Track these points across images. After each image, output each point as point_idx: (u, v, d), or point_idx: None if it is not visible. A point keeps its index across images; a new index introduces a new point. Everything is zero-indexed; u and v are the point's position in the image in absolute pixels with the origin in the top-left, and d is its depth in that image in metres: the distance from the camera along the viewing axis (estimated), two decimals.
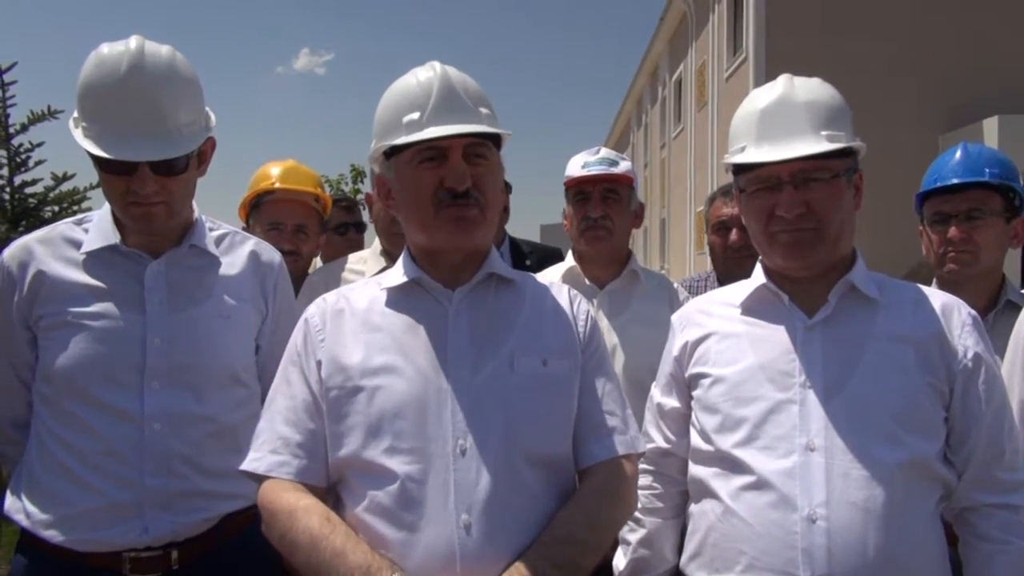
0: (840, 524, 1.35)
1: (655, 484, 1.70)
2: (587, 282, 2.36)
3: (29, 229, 1.72)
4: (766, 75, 10.21)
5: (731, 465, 1.46)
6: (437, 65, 1.39)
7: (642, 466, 1.65)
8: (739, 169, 1.53)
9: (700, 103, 15.84)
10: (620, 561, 1.75)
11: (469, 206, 1.34)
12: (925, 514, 1.41)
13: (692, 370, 1.59)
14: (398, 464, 1.28)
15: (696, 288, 2.74)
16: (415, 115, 1.33)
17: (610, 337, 2.23)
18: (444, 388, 1.32)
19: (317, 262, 3.07)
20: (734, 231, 2.62)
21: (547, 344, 1.40)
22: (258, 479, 1.37)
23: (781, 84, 1.51)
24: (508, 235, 2.75)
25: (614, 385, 1.46)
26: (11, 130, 4.77)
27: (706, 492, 1.51)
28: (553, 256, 2.82)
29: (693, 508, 1.57)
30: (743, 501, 1.43)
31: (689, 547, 1.56)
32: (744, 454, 1.44)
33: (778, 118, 1.46)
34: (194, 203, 1.80)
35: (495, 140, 1.40)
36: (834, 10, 10.89)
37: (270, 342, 1.82)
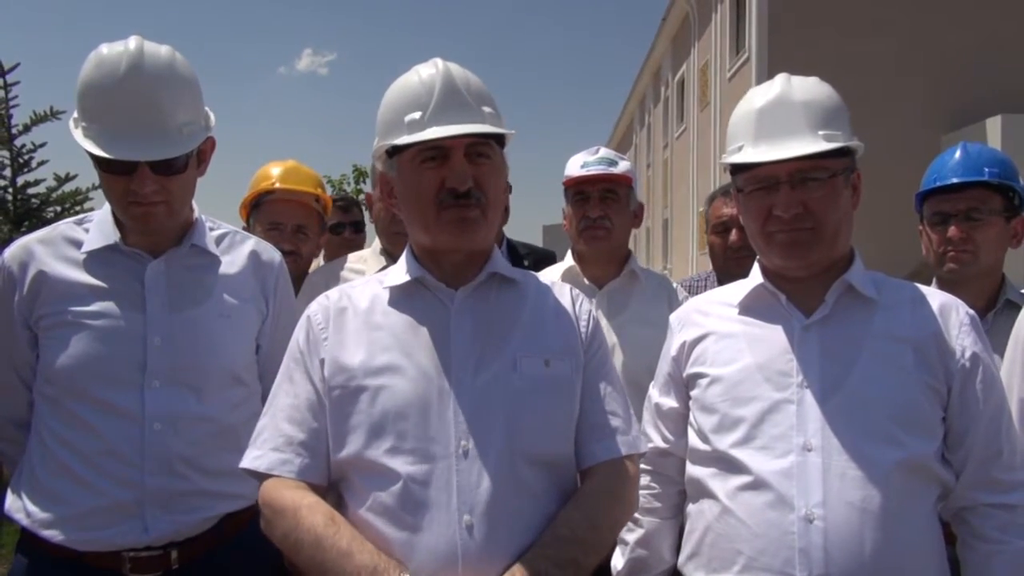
0: (837, 524, 1.35)
1: (653, 484, 1.70)
2: (586, 282, 2.36)
3: (32, 229, 1.73)
4: (768, 75, 10.10)
5: (728, 465, 1.46)
6: (440, 62, 1.38)
7: (640, 466, 1.65)
8: (737, 169, 1.53)
9: (703, 103, 15.83)
10: (618, 561, 1.75)
11: (470, 207, 1.34)
12: (922, 514, 1.41)
13: (690, 370, 1.59)
14: (401, 464, 1.28)
15: (696, 288, 2.74)
16: (417, 114, 1.33)
17: (609, 337, 2.22)
18: (447, 389, 1.31)
19: (320, 262, 3.08)
20: (734, 231, 2.62)
21: (549, 344, 1.40)
22: (259, 477, 1.36)
23: (778, 83, 1.50)
24: (505, 237, 2.75)
25: (616, 385, 1.46)
26: (14, 131, 4.80)
27: (703, 492, 1.51)
28: (548, 259, 2.82)
29: (691, 508, 1.57)
30: (740, 501, 1.42)
31: (687, 547, 1.56)
32: (741, 454, 1.44)
33: (775, 118, 1.46)
34: (194, 203, 1.81)
35: (498, 139, 1.39)
36: (837, 10, 10.88)
37: (270, 342, 1.82)
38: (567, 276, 2.36)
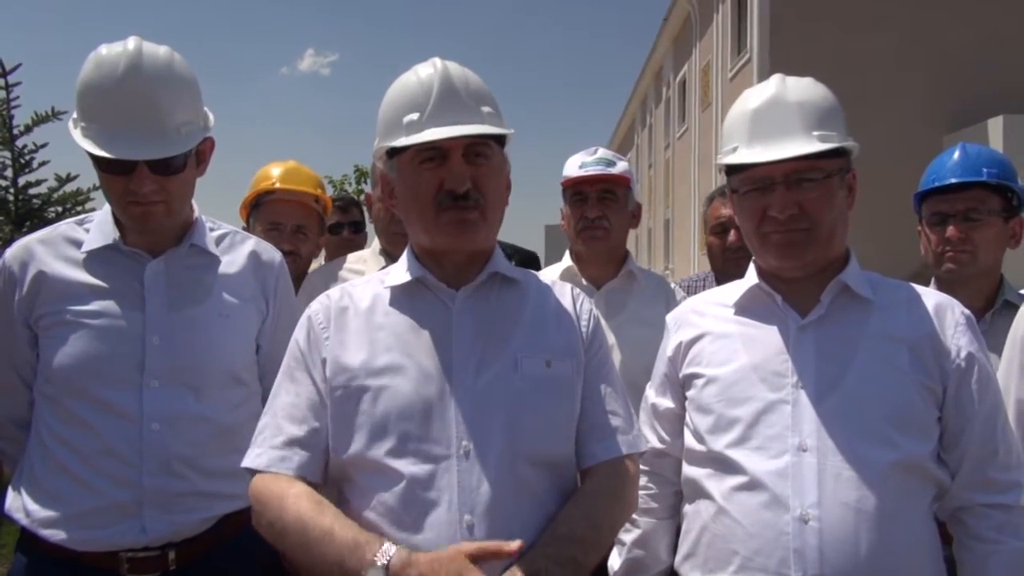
0: (832, 524, 1.35)
1: (650, 484, 1.70)
2: (584, 282, 2.37)
3: (33, 230, 1.74)
4: (770, 75, 10.16)
5: (724, 465, 1.46)
6: (438, 62, 1.37)
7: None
8: (732, 170, 1.53)
9: (704, 103, 15.82)
10: (615, 561, 1.75)
11: (469, 208, 1.34)
12: (918, 514, 1.41)
13: (686, 370, 1.59)
14: (403, 465, 1.28)
15: (694, 288, 2.74)
16: (415, 115, 1.33)
17: (607, 337, 2.22)
18: (448, 389, 1.31)
19: (321, 262, 3.08)
20: (732, 232, 2.62)
21: (550, 344, 1.40)
22: (256, 474, 1.36)
23: (773, 84, 1.51)
24: None
25: (616, 385, 1.45)
26: (15, 131, 4.81)
27: (699, 492, 1.51)
28: (532, 260, 2.80)
29: (687, 508, 1.58)
30: (736, 501, 1.43)
31: (683, 547, 1.56)
32: (737, 454, 1.44)
33: (770, 118, 1.46)
34: (194, 203, 1.81)
35: (498, 139, 1.39)
36: (839, 10, 10.86)
37: (270, 342, 1.82)
38: (565, 276, 2.36)
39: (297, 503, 1.26)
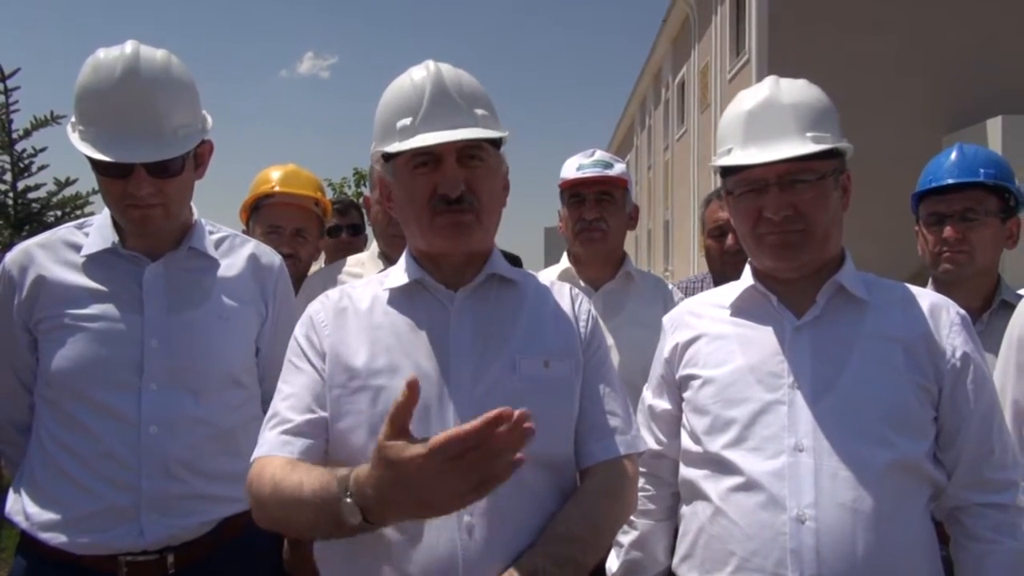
0: (829, 525, 1.35)
1: (647, 486, 1.70)
2: (582, 283, 2.37)
3: (32, 234, 1.75)
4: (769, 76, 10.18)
5: (720, 466, 1.46)
6: (431, 64, 1.37)
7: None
8: (726, 171, 1.54)
9: (703, 105, 15.84)
10: (613, 563, 1.75)
11: (464, 212, 1.34)
12: (914, 514, 1.41)
13: (682, 372, 1.60)
14: None
15: (692, 289, 2.75)
16: (407, 120, 1.33)
17: (606, 338, 2.23)
18: (446, 390, 1.32)
19: (320, 265, 3.08)
20: (730, 236, 2.62)
21: (548, 345, 1.40)
22: None
23: (767, 86, 1.51)
24: None
25: (615, 385, 1.45)
26: (14, 135, 4.81)
27: (696, 493, 1.52)
28: (513, 263, 2.80)
29: (684, 510, 1.58)
30: (732, 502, 1.43)
31: (680, 548, 1.56)
32: (733, 455, 1.44)
33: (764, 120, 1.47)
34: (193, 206, 1.82)
35: (494, 141, 1.39)
36: (837, 11, 10.88)
37: (270, 344, 1.82)
38: (563, 278, 2.36)
39: (272, 472, 1.25)
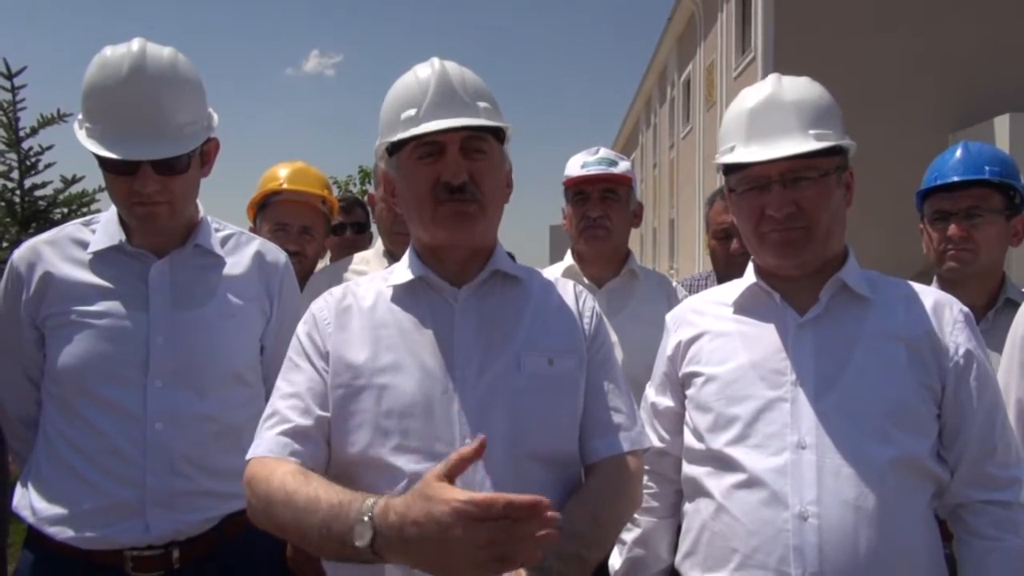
0: (831, 522, 1.35)
1: (650, 483, 1.70)
2: (586, 281, 2.38)
3: (39, 231, 1.76)
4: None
5: (723, 463, 1.47)
6: (436, 61, 1.39)
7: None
8: (729, 169, 1.54)
9: (709, 103, 15.80)
10: (616, 560, 1.75)
11: (467, 202, 1.34)
12: (917, 511, 1.41)
13: (685, 369, 1.60)
14: (406, 462, 1.28)
15: (696, 287, 2.75)
16: (412, 111, 1.34)
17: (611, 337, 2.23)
18: (450, 387, 1.32)
19: (326, 263, 3.09)
20: (735, 240, 2.62)
21: (552, 342, 1.40)
22: None
23: (769, 84, 1.51)
24: None
25: (619, 381, 1.46)
26: (21, 133, 4.83)
27: (699, 491, 1.52)
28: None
29: (687, 507, 1.58)
30: (735, 499, 1.43)
31: (683, 546, 1.57)
32: (736, 452, 1.45)
33: (766, 118, 1.47)
34: (200, 203, 1.83)
35: (496, 135, 1.40)
36: (844, 8, 10.83)
37: (275, 342, 1.83)
38: (567, 276, 2.36)
39: (283, 477, 1.23)
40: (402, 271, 1.44)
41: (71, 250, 1.72)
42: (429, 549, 1.03)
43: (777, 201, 1.45)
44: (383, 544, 1.07)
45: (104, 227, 1.74)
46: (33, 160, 4.89)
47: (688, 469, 1.57)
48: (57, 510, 1.62)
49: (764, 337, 1.51)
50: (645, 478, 1.69)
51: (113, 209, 1.76)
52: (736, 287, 1.61)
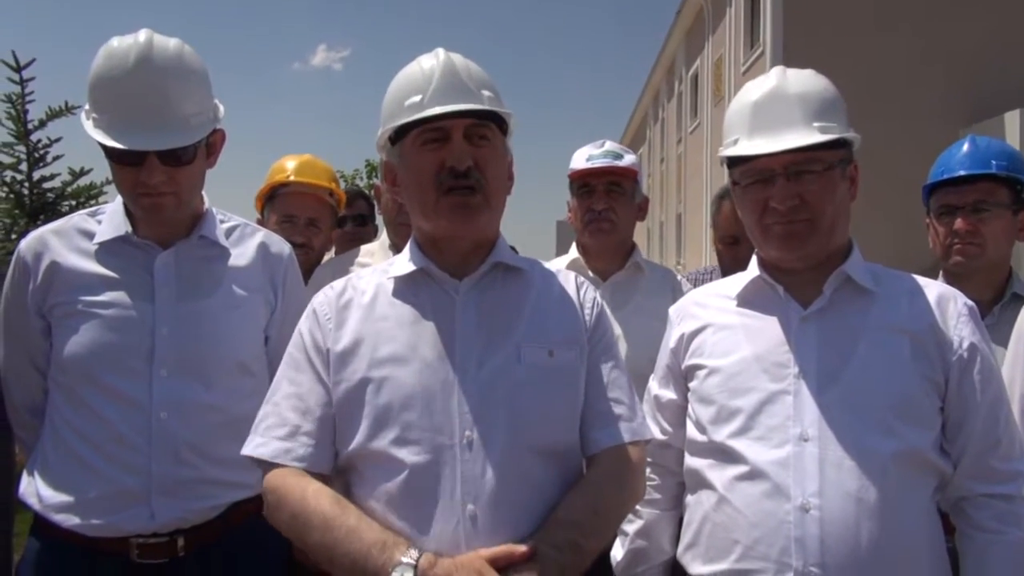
0: (833, 514, 1.35)
1: (652, 476, 1.70)
2: (591, 274, 2.38)
3: (47, 223, 1.78)
4: None
5: (725, 456, 1.47)
6: (441, 52, 1.39)
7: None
8: (733, 162, 1.54)
9: (717, 98, 15.74)
10: (618, 552, 1.76)
11: (472, 192, 1.34)
12: (919, 504, 1.41)
13: (688, 362, 1.60)
14: (406, 455, 1.29)
15: (701, 281, 2.73)
16: (417, 98, 1.34)
17: (613, 327, 2.22)
18: (451, 379, 1.32)
19: (333, 255, 3.09)
20: (743, 246, 2.60)
21: (553, 334, 1.40)
22: (262, 465, 1.38)
23: (774, 76, 1.51)
24: None
25: (621, 372, 1.46)
26: (29, 126, 4.86)
27: (701, 483, 1.52)
28: None
29: (689, 499, 1.58)
30: (737, 491, 1.43)
31: (685, 537, 1.57)
32: (738, 444, 1.45)
33: (770, 110, 1.46)
34: (205, 195, 1.83)
35: (500, 125, 1.40)
36: (853, 3, 10.77)
37: (279, 333, 1.84)
38: (571, 268, 2.36)
39: (318, 500, 1.27)
40: (403, 263, 1.44)
41: (77, 240, 1.73)
42: None
43: (781, 194, 1.45)
44: None
45: (110, 218, 1.75)
46: (42, 152, 4.93)
47: (690, 461, 1.57)
48: (63, 498, 1.63)
49: (767, 330, 1.51)
50: (648, 470, 1.69)
51: (119, 200, 1.77)
52: (740, 280, 1.60)
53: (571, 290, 1.48)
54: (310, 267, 2.56)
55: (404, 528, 1.26)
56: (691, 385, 1.59)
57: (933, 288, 1.52)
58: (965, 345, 1.44)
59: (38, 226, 1.95)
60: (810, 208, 1.45)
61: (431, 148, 1.35)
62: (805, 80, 1.49)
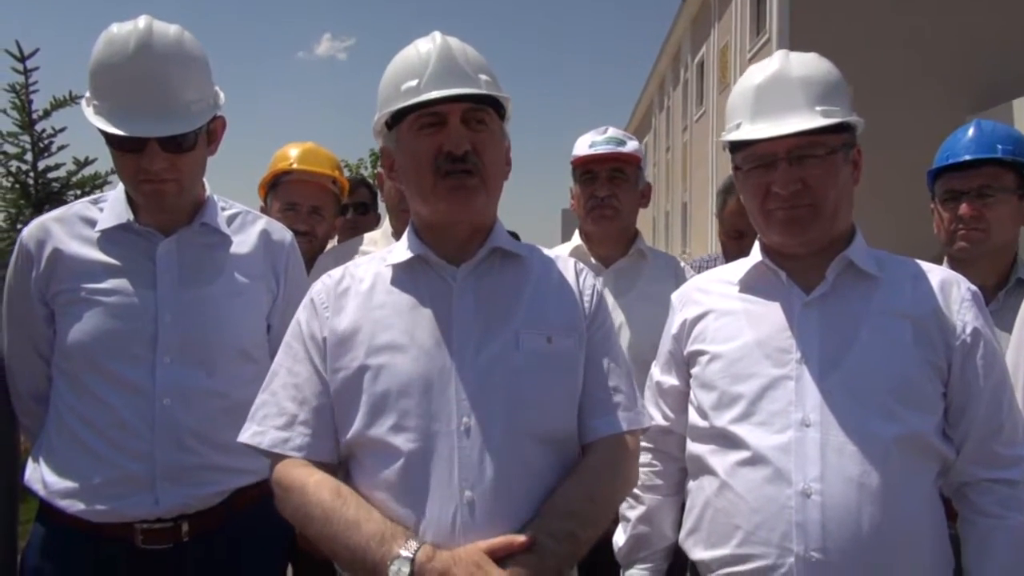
0: (835, 499, 1.35)
1: (654, 461, 1.71)
2: (594, 261, 2.37)
3: None
4: None
5: (727, 441, 1.46)
6: (438, 35, 1.39)
7: (642, 444, 1.64)
8: (735, 147, 1.53)
9: (722, 85, 15.67)
10: (620, 538, 1.76)
11: (470, 175, 1.34)
12: (922, 489, 1.40)
13: (690, 348, 1.59)
14: (403, 442, 1.29)
15: (705, 267, 2.72)
16: (413, 82, 1.33)
17: (616, 315, 2.22)
18: (448, 366, 1.32)
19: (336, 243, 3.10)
20: (748, 240, 2.59)
21: (552, 320, 1.39)
22: (263, 453, 1.39)
23: (777, 60, 1.50)
24: None
25: (619, 360, 1.45)
26: (34, 116, 4.86)
27: (703, 468, 1.52)
28: None
29: (691, 484, 1.58)
30: (739, 476, 1.43)
31: (687, 523, 1.57)
32: (740, 430, 1.44)
33: (773, 94, 1.45)
34: (206, 182, 1.83)
35: (498, 110, 1.39)
36: None
37: (281, 321, 1.83)
38: (574, 255, 2.35)
39: (319, 492, 1.28)
40: (400, 250, 1.43)
41: (79, 228, 1.73)
42: None
43: (783, 178, 1.44)
44: None
45: (112, 205, 1.75)
46: (46, 142, 4.94)
47: (692, 447, 1.57)
48: (68, 484, 1.64)
49: (770, 315, 1.50)
50: (649, 456, 1.70)
51: (121, 187, 1.77)
52: (742, 266, 1.60)
53: (570, 277, 1.48)
54: (313, 255, 2.56)
55: (403, 515, 1.27)
56: (693, 371, 1.58)
57: (937, 273, 1.51)
58: (968, 330, 1.43)
59: None
60: (812, 193, 1.44)
61: (428, 133, 1.34)
62: (808, 63, 1.48)
